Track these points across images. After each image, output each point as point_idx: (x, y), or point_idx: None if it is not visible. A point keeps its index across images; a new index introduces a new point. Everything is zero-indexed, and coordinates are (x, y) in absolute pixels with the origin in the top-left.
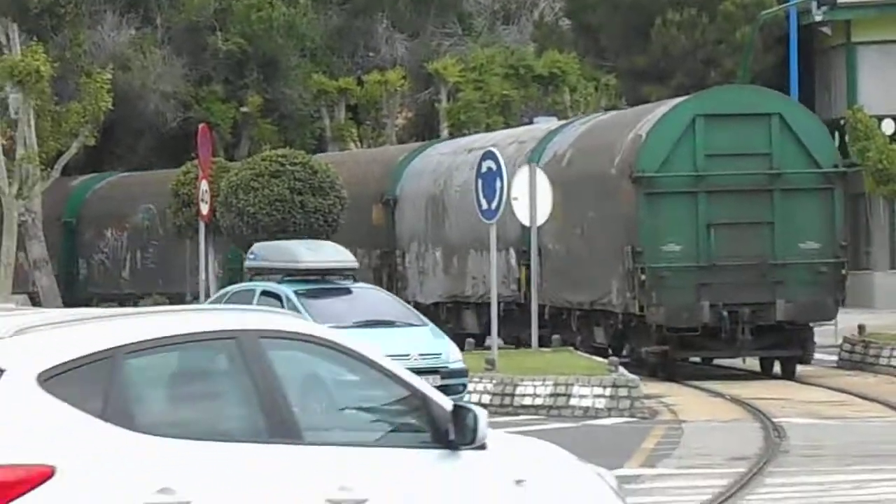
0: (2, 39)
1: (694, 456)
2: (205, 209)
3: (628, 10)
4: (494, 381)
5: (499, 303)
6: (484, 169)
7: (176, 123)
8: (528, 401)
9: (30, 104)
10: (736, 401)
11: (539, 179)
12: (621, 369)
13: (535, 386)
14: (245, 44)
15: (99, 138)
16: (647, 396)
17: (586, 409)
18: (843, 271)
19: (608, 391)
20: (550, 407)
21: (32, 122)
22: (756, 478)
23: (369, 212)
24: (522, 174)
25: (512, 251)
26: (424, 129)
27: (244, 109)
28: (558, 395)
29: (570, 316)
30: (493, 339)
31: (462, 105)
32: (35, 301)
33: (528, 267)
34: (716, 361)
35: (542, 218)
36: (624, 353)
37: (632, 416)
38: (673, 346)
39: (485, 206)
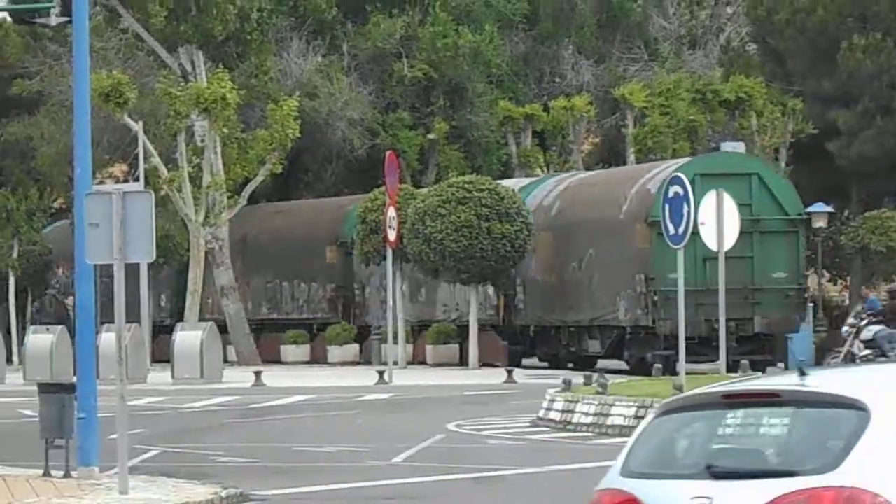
0: (187, 67)
1: None
2: (392, 235)
3: (814, 34)
4: None
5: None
6: (671, 194)
7: (363, 150)
8: None
9: (216, 131)
10: None
11: (726, 204)
12: None
13: None
14: (431, 71)
15: (286, 166)
16: None
17: None
18: (806, 295)
19: None
20: None
21: (219, 150)
22: None
23: (322, 254)
24: (710, 199)
25: (489, 283)
26: (611, 155)
27: (431, 136)
28: None
29: (558, 332)
30: (681, 365)
31: (649, 130)
32: (222, 328)
33: (506, 296)
34: None
35: (729, 242)
36: (625, 358)
37: None
38: (676, 351)
39: (672, 231)
